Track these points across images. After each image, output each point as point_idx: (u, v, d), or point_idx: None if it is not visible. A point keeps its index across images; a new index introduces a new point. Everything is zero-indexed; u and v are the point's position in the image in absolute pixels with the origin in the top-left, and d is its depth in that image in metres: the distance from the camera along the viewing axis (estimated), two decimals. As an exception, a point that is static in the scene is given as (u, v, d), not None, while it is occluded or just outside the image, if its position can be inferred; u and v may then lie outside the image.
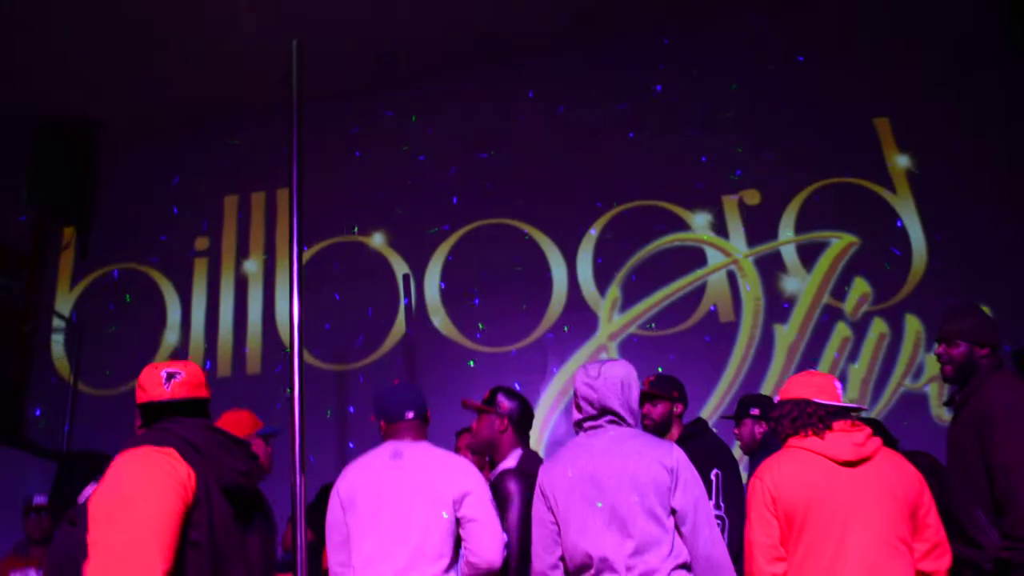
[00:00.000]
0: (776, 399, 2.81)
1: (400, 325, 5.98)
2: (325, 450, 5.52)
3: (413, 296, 6.02)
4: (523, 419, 3.16)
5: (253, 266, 6.42)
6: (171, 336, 6.31)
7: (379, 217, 6.32)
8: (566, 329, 5.87)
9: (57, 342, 6.47)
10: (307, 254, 6.12)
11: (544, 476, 2.62)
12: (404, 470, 2.74)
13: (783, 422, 2.65)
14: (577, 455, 2.57)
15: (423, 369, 5.79)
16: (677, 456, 2.51)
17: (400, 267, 6.18)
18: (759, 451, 3.87)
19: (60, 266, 6.71)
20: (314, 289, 5.85)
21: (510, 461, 3.04)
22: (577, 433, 2.69)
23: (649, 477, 2.44)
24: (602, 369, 2.63)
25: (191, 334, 6.29)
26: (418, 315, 6.01)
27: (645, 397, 3.44)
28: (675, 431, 3.49)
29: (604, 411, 2.59)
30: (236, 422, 3.00)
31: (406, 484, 2.71)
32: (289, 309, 2.78)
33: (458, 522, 2.69)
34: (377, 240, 6.30)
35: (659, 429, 3.46)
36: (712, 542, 2.46)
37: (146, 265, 6.54)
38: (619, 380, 2.61)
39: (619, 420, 2.60)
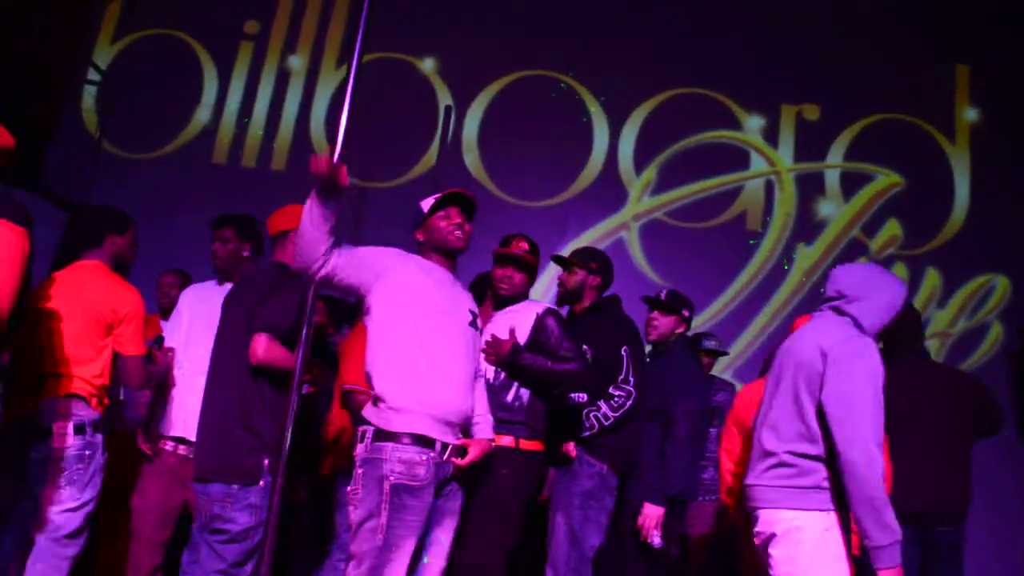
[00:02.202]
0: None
1: (431, 156, 5.91)
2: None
3: (451, 129, 5.93)
4: None
5: (298, 62, 6.29)
6: (203, 114, 6.23)
7: (434, 42, 6.15)
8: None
9: (89, 93, 6.39)
10: (347, 66, 5.97)
11: None
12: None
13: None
14: None
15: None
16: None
17: (444, 97, 6.07)
18: (671, 349, 3.69)
19: (105, 16, 6.55)
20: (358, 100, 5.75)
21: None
22: None
23: None
24: None
25: (223, 117, 6.22)
26: (452, 150, 5.94)
27: (562, 263, 3.54)
28: (586, 301, 3.51)
29: None
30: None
31: None
32: (341, 112, 2.74)
33: None
34: (427, 65, 6.16)
35: (570, 297, 3.52)
36: None
37: (192, 37, 6.39)
38: None
39: None
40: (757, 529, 2.42)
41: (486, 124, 6.01)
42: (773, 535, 2.35)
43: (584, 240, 5.79)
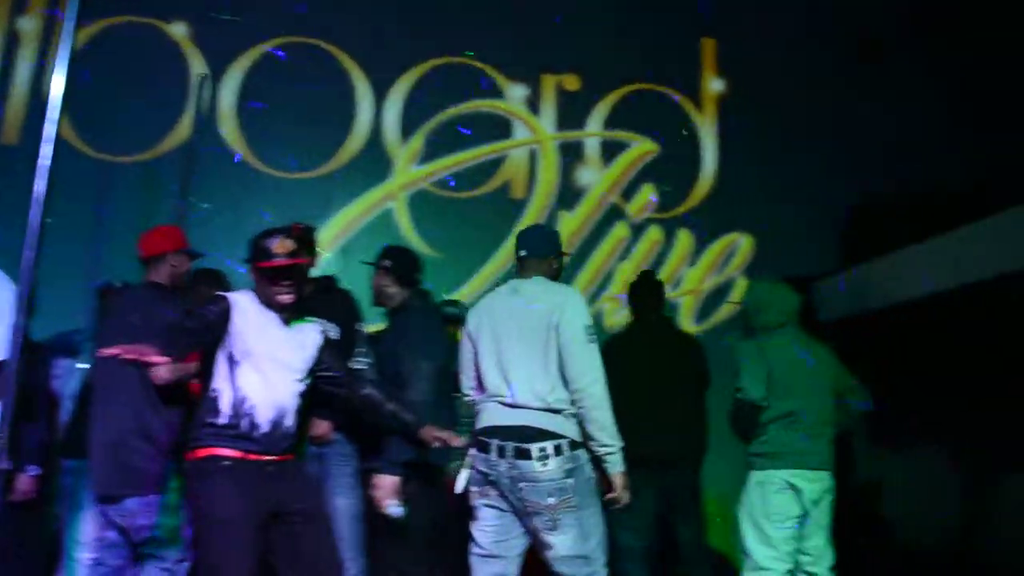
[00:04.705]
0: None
1: (184, 127, 5.59)
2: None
3: (206, 99, 5.63)
4: None
5: (30, 24, 5.74)
6: (-82, 81, 5.58)
7: (185, 5, 5.79)
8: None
9: None
10: (91, 28, 5.55)
11: None
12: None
13: None
14: None
15: (199, 179, 5.47)
16: None
17: (198, 65, 5.75)
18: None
19: None
20: (94, 66, 5.33)
21: None
22: None
23: None
24: None
25: (-56, 83, 5.59)
26: (207, 121, 5.64)
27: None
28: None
29: None
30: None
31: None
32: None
33: None
34: (178, 30, 5.79)
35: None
36: None
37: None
38: None
39: None
40: None
41: (244, 94, 5.75)
42: None
43: (351, 212, 5.73)
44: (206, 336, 2.77)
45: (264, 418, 2.76)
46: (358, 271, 3.58)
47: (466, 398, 3.18)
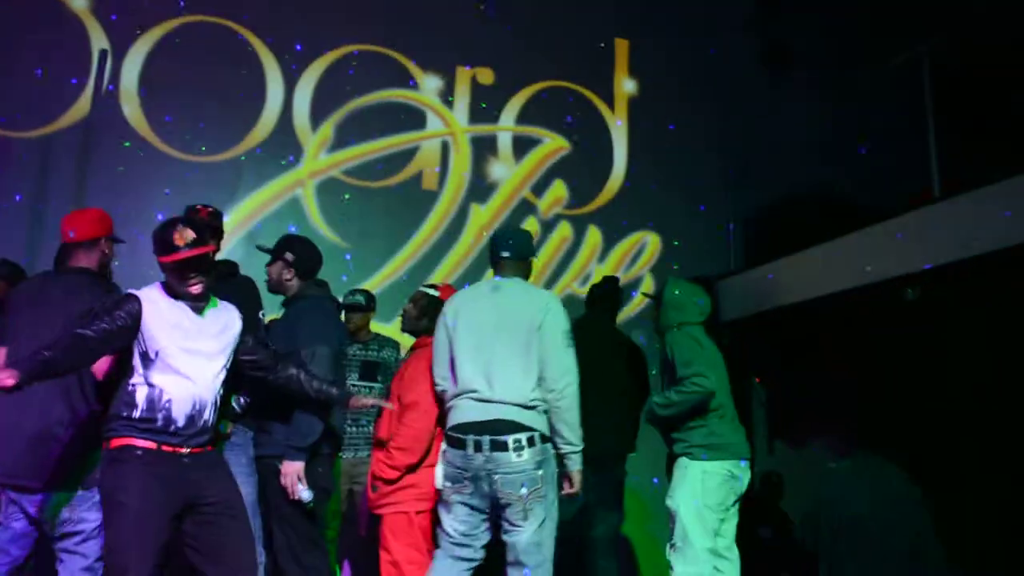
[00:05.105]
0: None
1: (84, 103, 5.38)
2: None
3: (107, 76, 5.44)
4: None
5: (-84, -12, 5.43)
6: None
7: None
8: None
9: None
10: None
11: None
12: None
13: None
14: None
15: (98, 158, 5.29)
16: None
17: (99, 40, 5.53)
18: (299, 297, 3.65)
19: None
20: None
21: None
22: None
23: None
24: None
25: None
26: (108, 99, 5.44)
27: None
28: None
29: None
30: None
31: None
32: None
33: None
34: (78, 2, 5.55)
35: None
36: None
37: None
38: None
39: None
40: None
41: (148, 72, 5.56)
42: None
43: (258, 198, 5.62)
44: (116, 342, 2.71)
45: (181, 412, 2.73)
46: (262, 257, 3.52)
47: (438, 387, 3.27)
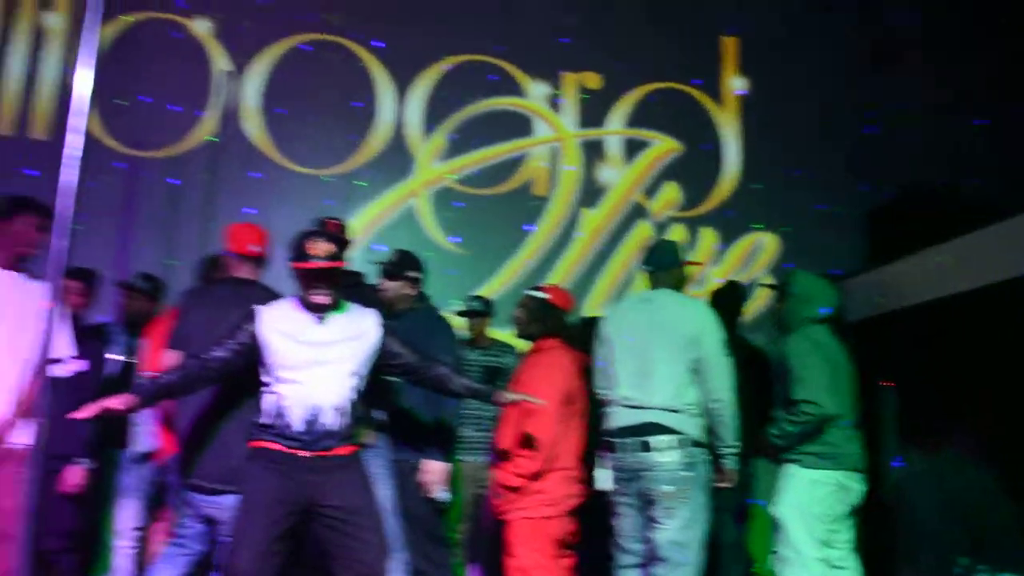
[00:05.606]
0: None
1: (209, 124, 5.62)
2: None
3: (230, 96, 5.66)
4: None
5: (57, 21, 5.78)
6: (-52, 77, 5.62)
7: (209, 2, 5.82)
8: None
9: None
10: (116, 24, 5.59)
11: None
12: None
13: None
14: None
15: (226, 174, 5.52)
16: None
17: (221, 62, 5.77)
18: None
19: None
20: (122, 62, 5.38)
21: None
22: None
23: None
24: None
25: (-29, 80, 5.63)
26: (231, 118, 5.67)
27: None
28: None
29: None
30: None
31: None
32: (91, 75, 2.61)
33: None
34: (202, 27, 5.82)
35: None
36: None
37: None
38: None
39: None
40: None
41: (268, 91, 5.77)
42: None
43: (375, 208, 5.73)
44: (237, 361, 2.92)
45: (298, 417, 2.85)
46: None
47: (599, 396, 3.50)
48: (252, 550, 2.73)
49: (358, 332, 2.96)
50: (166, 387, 2.86)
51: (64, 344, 3.13)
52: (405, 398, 3.44)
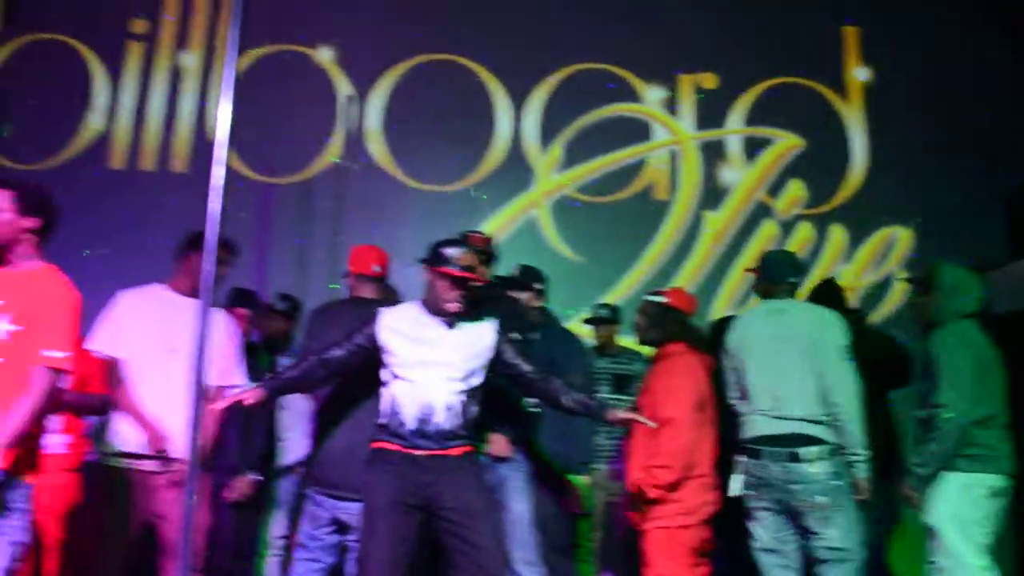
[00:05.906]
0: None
1: (336, 148, 5.83)
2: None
3: (354, 120, 5.85)
4: None
5: (191, 60, 6.12)
6: (96, 119, 6.02)
7: (329, 31, 6.04)
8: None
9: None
10: (245, 58, 5.86)
11: None
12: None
13: None
14: None
15: (353, 196, 5.71)
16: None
17: (343, 87, 5.97)
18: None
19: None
20: (248, 96, 5.61)
21: None
22: None
23: None
24: None
25: (117, 121, 6.01)
26: (355, 141, 5.86)
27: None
28: None
29: None
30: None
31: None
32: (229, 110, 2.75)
33: None
34: (323, 55, 6.04)
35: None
36: None
37: (77, 40, 6.14)
38: None
39: None
40: None
41: (388, 113, 5.94)
42: None
43: (497, 220, 5.80)
44: (353, 360, 3.06)
45: (410, 416, 2.93)
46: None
47: (732, 405, 3.48)
48: (381, 557, 2.80)
49: (475, 337, 3.03)
50: (288, 381, 3.05)
51: (237, 372, 3.35)
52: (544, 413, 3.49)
